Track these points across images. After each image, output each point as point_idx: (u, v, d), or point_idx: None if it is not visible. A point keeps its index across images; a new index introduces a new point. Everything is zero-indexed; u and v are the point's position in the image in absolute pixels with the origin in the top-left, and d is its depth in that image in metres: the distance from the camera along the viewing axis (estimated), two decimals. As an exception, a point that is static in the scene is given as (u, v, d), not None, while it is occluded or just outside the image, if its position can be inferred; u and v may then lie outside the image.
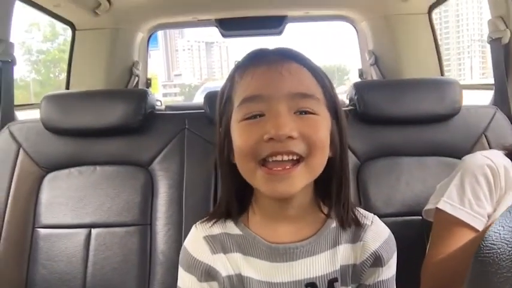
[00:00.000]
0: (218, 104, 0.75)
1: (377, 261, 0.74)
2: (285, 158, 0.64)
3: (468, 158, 1.08)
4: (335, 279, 0.73)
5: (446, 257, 0.97)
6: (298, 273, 0.72)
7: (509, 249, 0.30)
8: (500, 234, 0.32)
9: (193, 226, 0.80)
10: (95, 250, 1.34)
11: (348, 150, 0.74)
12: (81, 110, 1.44)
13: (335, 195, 0.73)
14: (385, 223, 1.31)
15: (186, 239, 0.79)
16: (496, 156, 1.05)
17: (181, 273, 0.77)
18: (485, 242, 0.33)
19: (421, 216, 1.31)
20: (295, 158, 0.65)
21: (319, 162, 0.68)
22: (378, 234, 0.75)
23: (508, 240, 0.31)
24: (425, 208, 1.12)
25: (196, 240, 0.77)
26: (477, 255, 0.33)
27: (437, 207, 1.03)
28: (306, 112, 0.66)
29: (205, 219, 0.79)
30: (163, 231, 1.36)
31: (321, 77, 0.71)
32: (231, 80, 0.73)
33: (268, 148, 0.64)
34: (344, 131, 0.72)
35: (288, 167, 0.65)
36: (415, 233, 1.32)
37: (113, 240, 1.36)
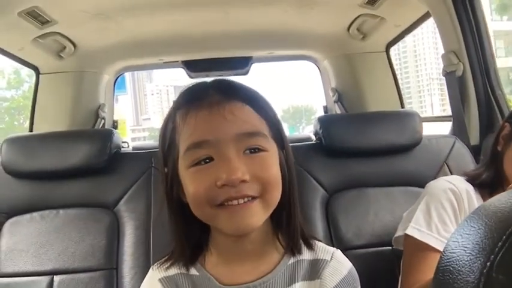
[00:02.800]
0: (161, 145, 0.73)
1: None
2: (241, 201, 0.64)
3: (432, 184, 1.11)
4: None
5: (421, 286, 0.97)
6: None
7: (468, 254, 0.31)
8: (459, 242, 0.33)
9: (151, 267, 0.78)
10: (57, 299, 1.28)
11: (294, 176, 0.73)
12: (43, 152, 1.40)
13: (286, 222, 0.72)
14: (356, 255, 1.33)
15: (144, 282, 0.77)
16: (458, 181, 1.09)
17: None
18: (445, 252, 0.34)
19: (391, 246, 1.32)
20: (250, 199, 0.64)
21: (275, 197, 0.67)
22: (336, 270, 0.73)
23: (466, 247, 0.31)
24: (395, 236, 1.13)
25: (152, 283, 0.75)
26: (438, 266, 0.34)
27: (406, 233, 1.04)
28: (255, 150, 0.66)
29: (164, 259, 0.77)
30: (130, 275, 1.31)
31: (263, 109, 0.70)
32: (173, 122, 0.70)
33: (223, 194, 0.63)
34: (290, 159, 0.72)
35: (246, 200, 0.64)
36: (386, 263, 1.32)
37: (77, 287, 1.29)
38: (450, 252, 0.33)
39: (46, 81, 2.13)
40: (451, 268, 0.32)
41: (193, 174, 0.65)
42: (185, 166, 0.67)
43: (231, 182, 0.62)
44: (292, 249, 0.73)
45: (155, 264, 0.77)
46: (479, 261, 0.29)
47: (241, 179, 0.62)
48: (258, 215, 0.65)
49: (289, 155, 0.73)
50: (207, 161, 0.65)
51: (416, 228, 1.03)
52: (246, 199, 0.64)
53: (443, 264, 0.33)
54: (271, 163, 0.67)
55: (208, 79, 0.74)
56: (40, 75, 2.13)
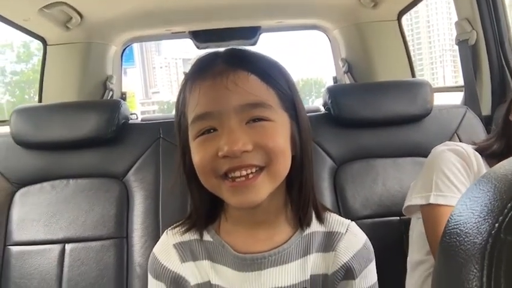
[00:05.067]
0: (175, 118, 0.73)
1: (348, 273, 0.71)
2: (244, 172, 0.63)
3: (437, 148, 1.10)
4: None
5: None
6: (266, 282, 0.71)
7: (476, 217, 0.30)
8: (467, 205, 0.32)
9: (165, 232, 0.78)
10: (69, 266, 1.31)
11: (310, 150, 0.72)
12: (52, 123, 1.41)
13: (297, 195, 0.71)
14: (364, 225, 1.32)
15: (156, 246, 0.77)
16: (465, 145, 1.08)
17: (150, 280, 0.75)
18: (453, 216, 0.33)
19: (399, 216, 1.32)
20: (254, 170, 0.64)
21: (281, 168, 0.66)
22: (351, 244, 0.73)
23: (474, 209, 0.31)
24: (409, 204, 1.11)
25: (166, 248, 0.75)
26: (445, 229, 0.33)
27: (430, 203, 1.03)
28: (259, 119, 0.64)
29: (177, 224, 0.77)
30: (140, 244, 1.33)
31: (273, 79, 0.67)
32: (183, 93, 0.70)
33: (226, 164, 0.63)
34: (305, 131, 0.71)
35: (250, 176, 0.64)
36: (394, 233, 1.33)
37: (88, 255, 1.32)
38: (458, 216, 0.33)
39: (54, 52, 2.12)
40: (458, 231, 0.31)
41: (198, 144, 0.66)
42: (192, 137, 0.67)
43: (232, 153, 0.61)
44: (301, 222, 0.73)
45: (169, 229, 0.78)
46: (487, 223, 0.28)
47: (243, 149, 0.62)
48: (262, 189, 0.64)
49: (304, 127, 0.71)
50: (212, 131, 0.65)
51: (440, 195, 1.02)
52: (249, 170, 0.63)
53: (450, 227, 0.33)
54: (276, 133, 0.65)
55: (221, 50, 0.72)
56: (47, 47, 2.12)
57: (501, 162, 0.34)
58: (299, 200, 0.71)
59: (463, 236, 0.30)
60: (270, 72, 0.68)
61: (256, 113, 0.64)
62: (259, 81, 0.66)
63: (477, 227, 0.29)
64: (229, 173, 0.64)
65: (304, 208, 0.72)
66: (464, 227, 0.31)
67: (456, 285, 0.29)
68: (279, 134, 0.66)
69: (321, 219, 0.75)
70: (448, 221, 0.33)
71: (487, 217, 0.29)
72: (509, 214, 0.28)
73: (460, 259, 0.30)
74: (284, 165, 0.67)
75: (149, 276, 0.76)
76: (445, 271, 0.32)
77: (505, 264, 0.26)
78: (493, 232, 0.28)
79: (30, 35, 2.05)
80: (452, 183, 1.02)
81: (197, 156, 0.66)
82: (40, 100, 2.16)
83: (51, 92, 2.13)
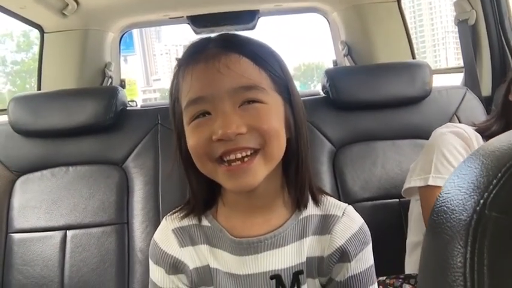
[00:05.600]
0: (170, 104, 0.73)
1: (344, 256, 0.72)
2: (239, 155, 0.63)
3: (437, 130, 1.10)
4: (300, 272, 0.72)
5: None
6: (263, 265, 0.71)
7: (462, 193, 0.30)
8: (454, 183, 0.32)
9: (164, 218, 0.79)
10: (71, 252, 1.32)
11: (305, 132, 0.71)
12: (50, 111, 1.41)
13: (293, 177, 0.71)
14: (363, 207, 1.34)
15: (156, 232, 0.78)
16: (466, 127, 1.08)
17: (152, 265, 0.76)
18: (441, 194, 0.33)
19: (398, 198, 1.33)
20: (249, 152, 0.64)
21: (276, 150, 0.66)
22: (347, 227, 0.73)
23: (461, 187, 0.31)
24: (408, 186, 1.11)
25: (165, 233, 0.76)
26: (433, 208, 0.33)
27: (428, 185, 1.03)
28: (252, 101, 0.64)
29: (176, 209, 0.78)
30: (140, 229, 1.34)
31: (265, 62, 0.67)
32: (176, 78, 0.70)
33: (220, 148, 0.63)
34: (299, 113, 0.70)
35: (246, 160, 0.63)
36: (393, 215, 1.33)
37: (90, 241, 1.33)
38: (446, 193, 0.32)
39: (51, 40, 2.11)
40: (445, 208, 0.31)
41: (193, 128, 0.66)
42: (186, 122, 0.67)
43: (226, 136, 0.61)
44: (299, 204, 0.73)
45: (168, 215, 0.78)
46: (472, 200, 0.28)
47: (236, 132, 0.62)
48: (258, 172, 0.64)
49: (298, 109, 0.71)
50: (206, 115, 0.65)
51: (439, 177, 1.02)
52: (244, 153, 0.63)
53: (438, 205, 0.33)
54: (270, 115, 0.65)
55: (212, 35, 0.71)
56: (45, 35, 2.10)
57: (491, 140, 0.34)
58: (296, 182, 0.71)
59: (450, 213, 0.30)
60: (262, 55, 0.68)
61: (249, 95, 0.64)
62: (252, 64, 0.66)
63: (463, 204, 0.29)
64: (224, 156, 0.64)
65: (301, 190, 0.72)
66: (451, 204, 0.31)
67: (441, 261, 0.29)
68: (273, 116, 0.66)
69: (317, 202, 0.75)
70: (437, 199, 0.33)
71: (472, 194, 0.29)
72: (494, 190, 0.27)
73: (446, 236, 0.29)
74: (279, 147, 0.66)
75: (150, 262, 0.77)
76: (432, 248, 0.32)
77: (489, 240, 0.26)
78: (478, 208, 0.27)
79: (27, 23, 2.03)
80: (451, 165, 1.02)
81: (192, 140, 0.66)
82: (39, 89, 2.15)
83: (50, 80, 2.12)
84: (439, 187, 1.01)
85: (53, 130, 1.41)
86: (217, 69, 0.63)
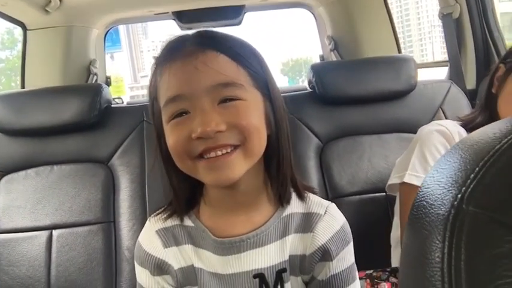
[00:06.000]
0: (149, 102, 0.73)
1: (326, 255, 0.72)
2: (219, 153, 0.63)
3: (424, 128, 1.10)
4: (283, 270, 0.72)
5: None
6: (246, 264, 0.71)
7: (441, 188, 0.30)
8: (434, 177, 0.32)
9: (148, 219, 0.78)
10: (57, 252, 1.30)
11: (286, 127, 0.72)
12: (34, 109, 1.39)
13: (275, 173, 0.71)
14: (350, 202, 1.34)
15: (141, 233, 0.78)
16: (451, 124, 1.08)
17: (137, 267, 0.76)
18: (421, 189, 0.33)
19: (385, 192, 1.33)
20: (230, 150, 0.63)
21: (256, 146, 0.66)
22: (329, 225, 0.73)
23: (440, 181, 0.31)
24: (389, 183, 1.13)
25: (149, 235, 0.75)
26: (413, 203, 0.33)
27: (403, 182, 1.04)
28: (231, 99, 0.64)
29: (160, 210, 0.78)
30: (127, 227, 1.33)
31: (243, 59, 0.67)
32: (154, 76, 0.70)
33: (200, 146, 0.63)
34: (279, 109, 0.70)
35: (224, 152, 0.63)
36: (380, 209, 1.34)
37: (76, 240, 1.32)
38: (425, 188, 0.32)
39: (34, 37, 2.07)
40: (425, 203, 0.31)
41: (172, 127, 0.65)
42: (165, 121, 0.66)
43: (206, 134, 0.61)
44: (281, 200, 0.73)
45: (151, 216, 0.78)
46: (450, 194, 0.28)
47: (216, 129, 0.61)
48: (238, 166, 0.64)
49: (278, 106, 0.70)
50: (185, 114, 0.64)
51: (414, 175, 1.03)
52: (224, 150, 0.63)
53: (418, 200, 0.33)
54: (249, 111, 0.65)
55: (189, 32, 0.70)
56: (27, 32, 2.07)
57: (470, 133, 0.34)
58: (278, 177, 0.71)
59: (428, 208, 0.30)
60: (240, 52, 0.67)
61: (228, 92, 0.64)
62: (229, 61, 0.65)
63: (441, 198, 0.29)
64: (204, 154, 0.63)
65: (283, 185, 0.72)
66: (430, 199, 0.31)
67: (420, 256, 0.29)
68: (252, 113, 0.65)
69: (302, 198, 0.75)
70: (417, 194, 0.33)
71: (451, 188, 0.29)
72: (472, 185, 0.27)
73: (424, 231, 0.29)
74: (259, 142, 0.66)
75: (135, 264, 0.77)
76: (411, 243, 0.32)
77: (466, 235, 0.26)
78: (455, 203, 0.27)
79: (9, 20, 1.99)
80: (429, 164, 1.02)
81: (171, 139, 0.65)
82: (23, 87, 2.12)
83: (34, 78, 2.08)
84: (414, 185, 1.02)
85: (37, 128, 1.39)
86: (195, 67, 0.63)
